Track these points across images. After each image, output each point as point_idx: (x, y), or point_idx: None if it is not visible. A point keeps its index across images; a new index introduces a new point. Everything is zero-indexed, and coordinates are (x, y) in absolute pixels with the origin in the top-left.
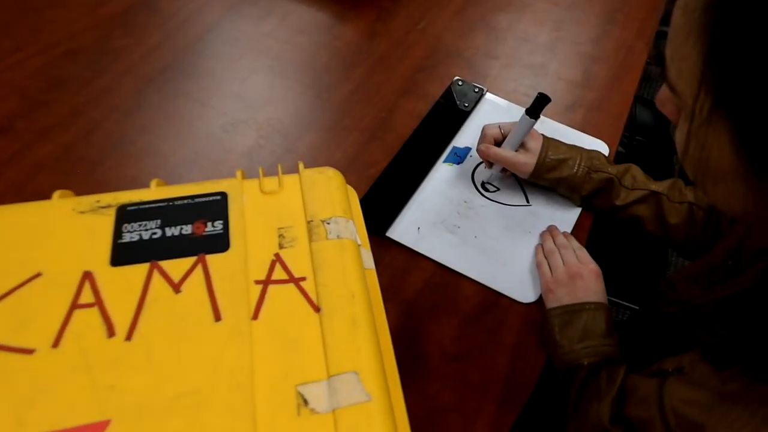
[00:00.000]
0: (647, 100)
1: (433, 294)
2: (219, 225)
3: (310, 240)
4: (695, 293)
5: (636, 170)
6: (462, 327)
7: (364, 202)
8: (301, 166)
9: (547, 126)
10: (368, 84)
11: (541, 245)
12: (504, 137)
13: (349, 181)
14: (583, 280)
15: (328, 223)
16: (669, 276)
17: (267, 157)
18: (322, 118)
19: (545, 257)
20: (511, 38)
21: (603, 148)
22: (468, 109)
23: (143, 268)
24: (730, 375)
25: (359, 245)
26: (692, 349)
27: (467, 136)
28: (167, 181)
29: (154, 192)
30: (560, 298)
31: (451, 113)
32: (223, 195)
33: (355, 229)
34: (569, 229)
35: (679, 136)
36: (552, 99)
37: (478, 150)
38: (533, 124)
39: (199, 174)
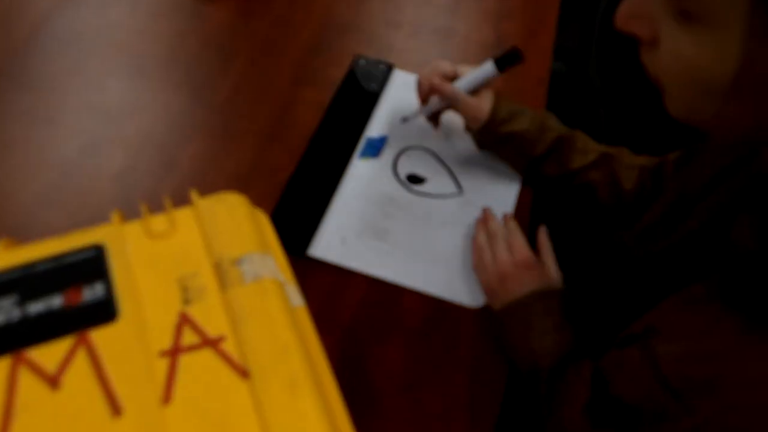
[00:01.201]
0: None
1: (372, 314)
2: (100, 288)
3: (222, 288)
4: (648, 247)
5: (582, 134)
6: (411, 347)
7: (274, 220)
8: (194, 196)
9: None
10: (254, 74)
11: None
12: (454, 78)
13: (251, 197)
14: (513, 278)
15: (241, 263)
16: (616, 235)
17: (144, 181)
18: (203, 122)
19: (479, 255)
20: (410, 1)
21: None
22: (376, 91)
23: (3, 363)
24: (715, 315)
25: (283, 282)
26: (654, 307)
27: (381, 123)
28: (17, 234)
29: (2, 256)
30: (501, 297)
31: (357, 98)
32: (99, 248)
33: (275, 262)
34: (509, 211)
35: (673, 52)
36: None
37: (421, 82)
38: (496, 75)
39: (59, 215)
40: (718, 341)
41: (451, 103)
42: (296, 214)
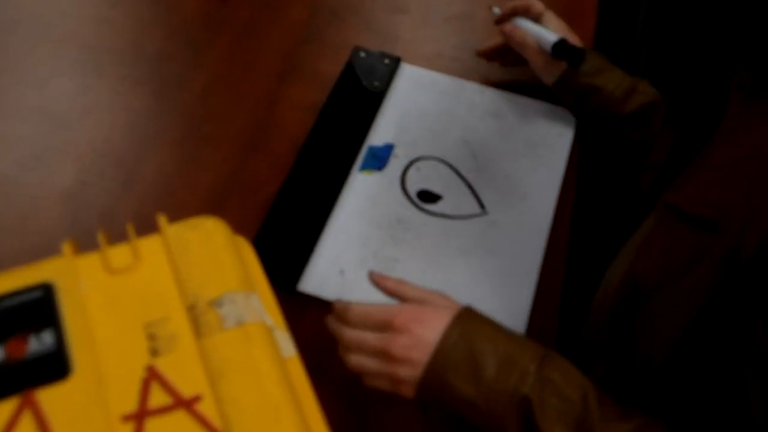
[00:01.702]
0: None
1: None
2: (48, 338)
3: (198, 335)
4: None
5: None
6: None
7: (257, 247)
8: (162, 221)
9: (489, 97)
10: (231, 69)
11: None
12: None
13: (228, 220)
14: (409, 342)
15: (221, 305)
16: None
17: (99, 200)
18: (170, 128)
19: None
20: None
21: (568, 122)
22: (380, 89)
23: None
24: None
25: (271, 327)
26: None
27: (386, 128)
28: None
29: None
30: (414, 374)
31: (357, 98)
32: (47, 287)
33: (261, 303)
34: (541, 242)
35: None
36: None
37: (507, 18)
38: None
39: None
40: None
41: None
42: (284, 241)
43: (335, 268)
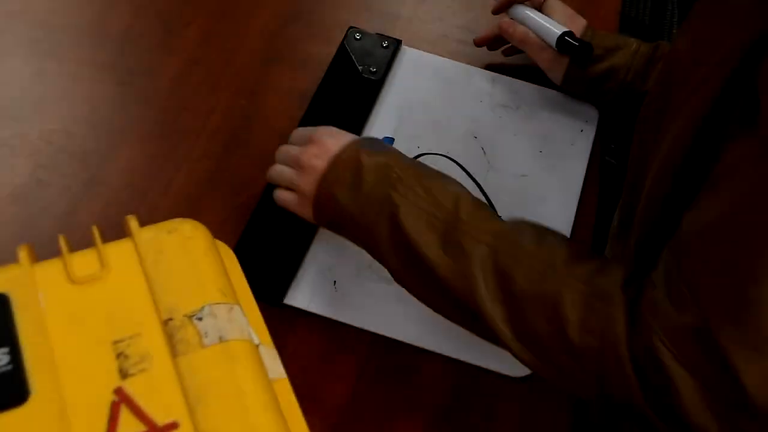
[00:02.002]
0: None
1: (377, 388)
2: (2, 357)
3: (174, 354)
4: None
5: None
6: None
7: (239, 255)
8: (133, 224)
9: (501, 85)
10: (209, 52)
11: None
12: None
13: (206, 224)
14: (316, 149)
15: (200, 318)
16: None
17: (58, 201)
18: (139, 120)
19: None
20: None
21: (590, 115)
22: (378, 77)
23: None
24: None
25: (257, 344)
26: None
27: (385, 120)
28: None
29: None
30: (312, 181)
31: (352, 86)
32: (1, 300)
33: (245, 317)
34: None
35: None
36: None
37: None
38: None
39: None
40: None
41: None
42: (268, 248)
43: (327, 280)
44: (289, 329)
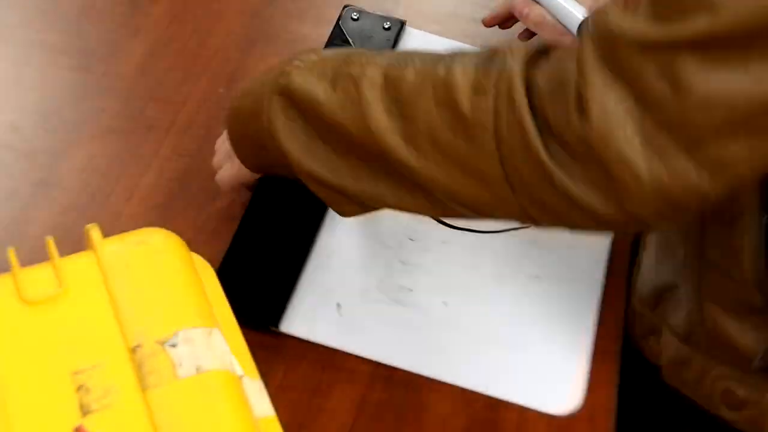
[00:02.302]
0: None
1: (378, 428)
2: None
3: (143, 387)
4: None
5: None
6: None
7: (221, 274)
8: (95, 234)
9: None
10: (180, 33)
11: None
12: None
13: (179, 232)
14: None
15: (173, 345)
16: None
17: (4, 207)
18: (99, 111)
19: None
20: None
21: None
22: None
23: None
24: None
25: (240, 376)
26: None
27: None
28: None
29: None
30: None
31: None
32: None
33: (226, 343)
34: (601, 259)
35: None
36: None
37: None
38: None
39: None
40: None
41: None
42: (258, 265)
43: (329, 302)
44: (277, 356)
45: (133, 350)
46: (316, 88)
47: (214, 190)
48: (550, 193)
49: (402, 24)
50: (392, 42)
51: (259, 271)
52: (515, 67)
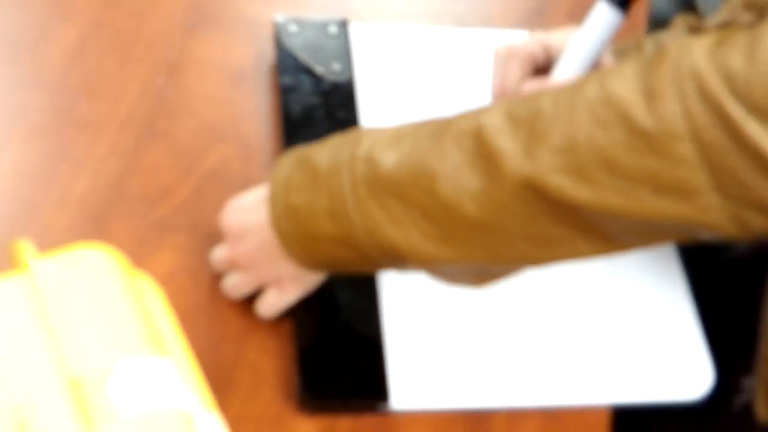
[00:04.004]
0: None
1: None
2: None
3: (87, 429)
4: None
5: None
6: None
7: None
8: (26, 251)
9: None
10: (114, 16)
11: None
12: (548, 62)
13: (117, 244)
14: (250, 230)
15: (118, 379)
16: None
17: None
18: (26, 106)
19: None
20: None
21: None
22: (345, 77)
23: None
24: None
25: (193, 411)
26: None
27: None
28: None
29: None
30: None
31: (327, 103)
32: None
33: (180, 375)
34: (661, 272)
35: None
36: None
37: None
38: (620, 23)
39: None
40: None
41: None
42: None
43: (426, 366)
44: None
45: (73, 386)
46: (418, 161)
47: (155, 193)
48: None
49: (344, 23)
50: (344, 48)
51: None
52: (697, 58)
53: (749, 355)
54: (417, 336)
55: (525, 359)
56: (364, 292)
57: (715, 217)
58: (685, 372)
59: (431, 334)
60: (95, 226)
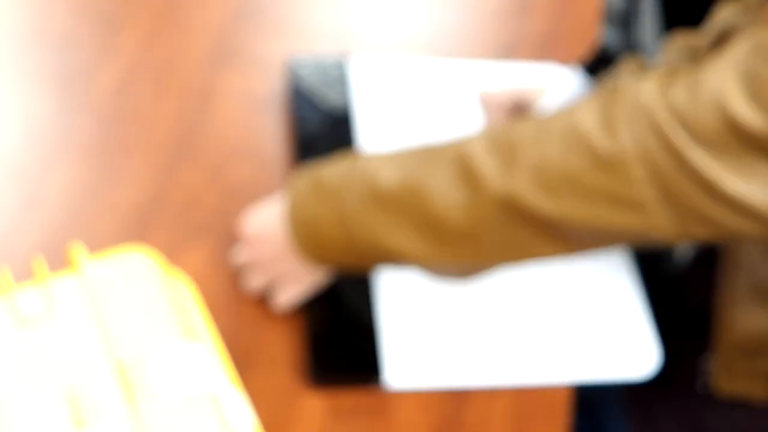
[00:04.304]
0: None
1: None
2: None
3: (132, 404)
4: None
5: None
6: None
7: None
8: (79, 253)
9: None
10: (154, 54)
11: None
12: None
13: (156, 247)
14: (265, 232)
15: (158, 362)
16: None
17: None
18: (79, 131)
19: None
20: None
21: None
22: (345, 105)
23: None
24: None
25: (225, 389)
26: None
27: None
28: None
29: None
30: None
31: (335, 132)
32: None
33: (213, 360)
34: (614, 272)
35: None
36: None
37: None
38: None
39: None
40: None
41: None
42: (345, 323)
43: (423, 345)
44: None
45: (119, 368)
46: (414, 180)
47: (187, 205)
48: (712, 203)
49: (344, 60)
50: (346, 78)
51: (346, 329)
52: (648, 95)
53: (701, 340)
54: (408, 325)
55: (499, 344)
56: (364, 288)
57: (663, 228)
58: (635, 354)
59: (420, 323)
60: (137, 231)
